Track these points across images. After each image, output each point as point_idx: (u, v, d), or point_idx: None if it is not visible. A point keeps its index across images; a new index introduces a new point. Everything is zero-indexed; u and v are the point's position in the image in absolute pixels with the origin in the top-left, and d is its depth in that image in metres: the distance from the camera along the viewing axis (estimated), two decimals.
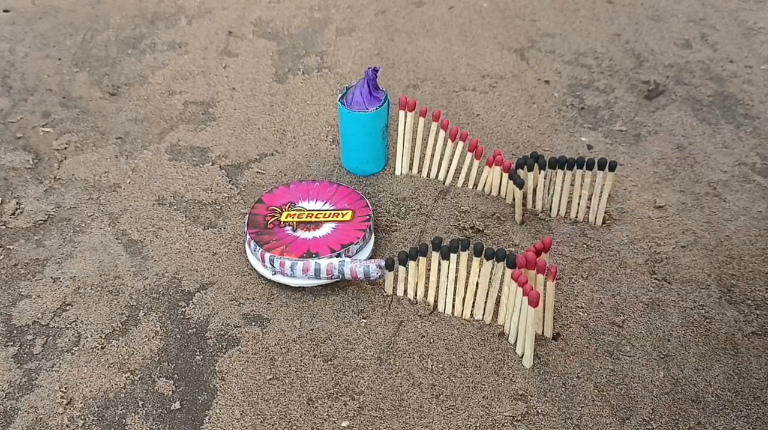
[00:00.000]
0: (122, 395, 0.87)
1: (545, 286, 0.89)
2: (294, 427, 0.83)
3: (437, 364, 0.90)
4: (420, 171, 1.21)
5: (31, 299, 1.00)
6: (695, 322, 0.97)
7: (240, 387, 0.88)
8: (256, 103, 1.41)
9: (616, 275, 1.03)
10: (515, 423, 0.83)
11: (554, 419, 0.84)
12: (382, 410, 0.85)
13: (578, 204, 1.11)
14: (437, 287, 0.97)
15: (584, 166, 1.06)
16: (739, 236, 1.10)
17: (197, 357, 0.92)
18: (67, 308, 0.98)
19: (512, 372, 0.89)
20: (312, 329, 0.95)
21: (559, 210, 1.12)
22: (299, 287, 1.00)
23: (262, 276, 1.02)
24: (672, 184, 1.20)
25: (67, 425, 0.84)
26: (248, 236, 1.02)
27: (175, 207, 1.16)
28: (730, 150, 1.28)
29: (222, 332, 0.95)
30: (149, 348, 0.93)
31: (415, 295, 0.99)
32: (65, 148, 1.29)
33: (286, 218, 1.05)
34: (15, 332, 0.95)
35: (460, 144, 1.15)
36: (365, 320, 0.96)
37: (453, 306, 0.96)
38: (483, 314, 0.95)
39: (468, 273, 0.94)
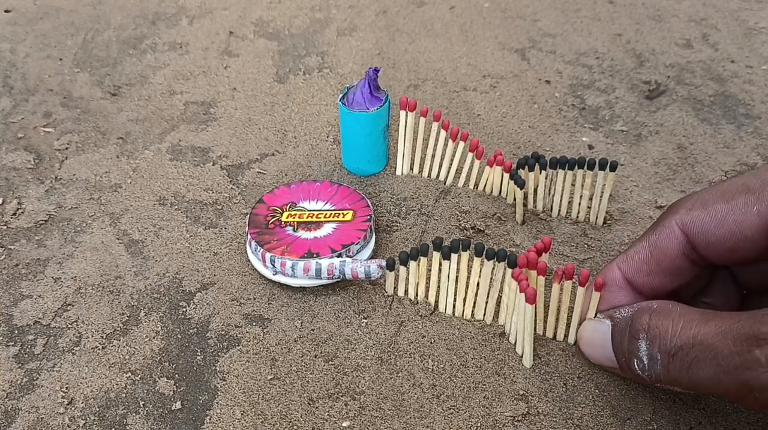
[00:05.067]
0: (123, 395, 0.87)
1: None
2: (295, 427, 0.83)
3: (438, 364, 0.90)
4: (421, 171, 1.21)
5: (32, 299, 1.00)
6: None
7: (241, 387, 0.88)
8: (257, 103, 1.41)
9: None
10: (516, 423, 0.83)
11: (555, 419, 0.84)
12: (382, 411, 0.85)
13: (579, 204, 1.11)
14: (438, 287, 0.97)
15: (585, 167, 1.06)
16: None
17: (198, 357, 0.92)
18: (68, 308, 0.99)
19: (513, 372, 0.89)
20: (313, 329, 0.95)
21: (560, 210, 1.12)
22: (300, 287, 1.00)
23: (263, 276, 1.02)
24: (673, 184, 1.20)
25: (68, 425, 0.84)
26: (249, 236, 1.02)
27: (176, 207, 1.16)
28: (731, 150, 1.28)
29: (223, 332, 0.95)
30: (150, 348, 0.93)
31: (416, 295, 0.99)
32: (66, 148, 1.29)
33: (287, 218, 1.05)
34: (16, 332, 0.95)
35: (461, 144, 1.15)
36: (366, 320, 0.96)
37: (454, 306, 0.96)
38: (484, 314, 0.95)
39: (469, 273, 0.94)
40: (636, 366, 0.72)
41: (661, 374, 0.69)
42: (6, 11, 1.73)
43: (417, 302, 0.98)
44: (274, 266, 0.99)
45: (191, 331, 0.96)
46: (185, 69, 1.52)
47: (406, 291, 0.99)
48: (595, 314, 0.85)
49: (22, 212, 1.15)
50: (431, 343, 0.93)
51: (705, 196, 0.75)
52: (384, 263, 0.96)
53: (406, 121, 1.16)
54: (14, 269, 1.05)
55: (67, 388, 0.88)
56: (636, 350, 0.71)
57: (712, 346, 0.63)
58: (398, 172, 1.21)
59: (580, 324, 0.90)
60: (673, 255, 0.77)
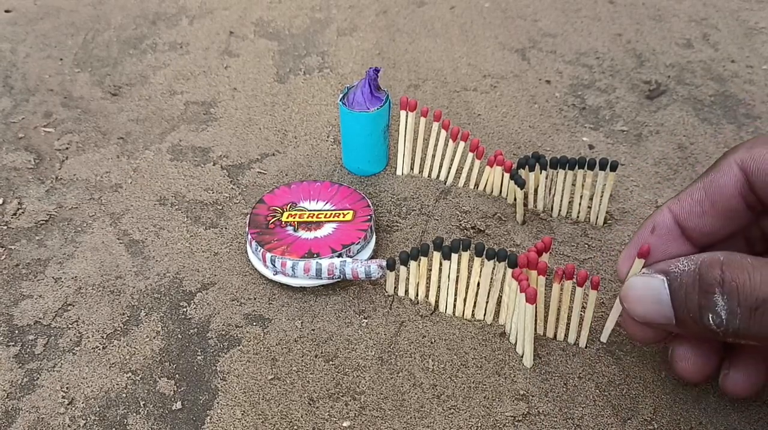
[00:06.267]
0: (123, 395, 0.87)
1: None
2: (295, 427, 0.83)
3: (438, 364, 0.90)
4: (421, 171, 1.21)
5: (33, 299, 1.00)
6: None
7: (241, 387, 0.88)
8: (257, 103, 1.41)
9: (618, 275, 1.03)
10: (516, 423, 0.83)
11: (555, 419, 0.84)
12: (383, 410, 0.85)
13: (579, 204, 1.11)
14: (438, 287, 0.97)
15: (585, 166, 1.06)
16: None
17: (198, 357, 0.92)
18: (69, 308, 0.99)
19: (514, 372, 0.89)
20: (313, 329, 0.95)
21: (560, 210, 1.12)
22: (300, 287, 1.00)
23: (263, 276, 1.03)
24: (673, 184, 1.20)
25: (68, 425, 0.84)
26: (249, 236, 1.02)
27: (177, 207, 1.16)
28: None
29: (223, 332, 0.95)
30: (150, 348, 0.93)
31: (417, 295, 0.99)
32: (67, 148, 1.29)
33: (288, 218, 1.05)
34: (16, 332, 0.95)
35: (462, 144, 1.15)
36: (366, 320, 0.96)
37: (454, 306, 0.96)
38: (484, 314, 0.95)
39: (469, 273, 0.94)
40: (711, 321, 0.67)
41: (740, 329, 0.66)
42: (6, 11, 1.73)
43: (417, 302, 0.98)
44: (274, 266, 0.99)
45: (192, 331, 0.96)
46: (186, 69, 1.52)
47: (406, 291, 0.99)
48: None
49: (23, 212, 1.15)
50: (431, 343, 0.93)
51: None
52: (384, 263, 0.96)
53: (406, 121, 1.17)
54: (15, 269, 1.05)
55: (67, 388, 0.88)
56: (712, 304, 0.67)
57: None
58: (398, 172, 1.21)
59: (580, 324, 0.90)
60: (730, 194, 0.74)
